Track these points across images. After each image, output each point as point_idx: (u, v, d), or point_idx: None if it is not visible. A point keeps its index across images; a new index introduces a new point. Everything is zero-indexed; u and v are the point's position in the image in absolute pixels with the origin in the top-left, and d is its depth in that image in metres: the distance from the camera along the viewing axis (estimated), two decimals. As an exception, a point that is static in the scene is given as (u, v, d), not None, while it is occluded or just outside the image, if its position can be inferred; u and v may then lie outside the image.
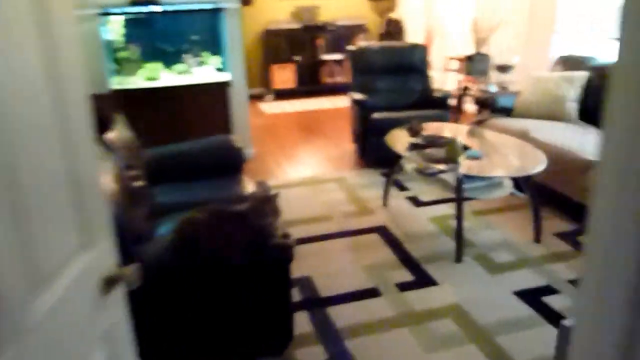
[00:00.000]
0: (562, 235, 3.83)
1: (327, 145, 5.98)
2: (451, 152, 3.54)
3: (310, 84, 8.42)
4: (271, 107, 7.74)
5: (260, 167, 5.32)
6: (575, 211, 4.06)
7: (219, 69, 5.05)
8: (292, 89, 8.18)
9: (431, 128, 4.33)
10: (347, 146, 5.87)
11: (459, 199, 3.47)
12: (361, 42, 5.77)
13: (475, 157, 3.61)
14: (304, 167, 5.34)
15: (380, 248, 3.68)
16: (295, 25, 8.03)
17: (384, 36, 8.62)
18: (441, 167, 3.53)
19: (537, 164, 3.47)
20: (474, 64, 5.61)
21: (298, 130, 6.62)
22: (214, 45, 4.98)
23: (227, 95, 4.88)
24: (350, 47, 5.66)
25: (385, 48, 5.64)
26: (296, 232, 3.88)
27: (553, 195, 4.07)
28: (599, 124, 4.62)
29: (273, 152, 5.78)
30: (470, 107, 6.64)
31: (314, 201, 4.47)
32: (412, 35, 8.26)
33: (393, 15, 8.58)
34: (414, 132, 4.00)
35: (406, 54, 5.64)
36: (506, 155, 3.76)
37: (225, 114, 4.91)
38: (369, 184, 4.81)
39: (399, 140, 4.03)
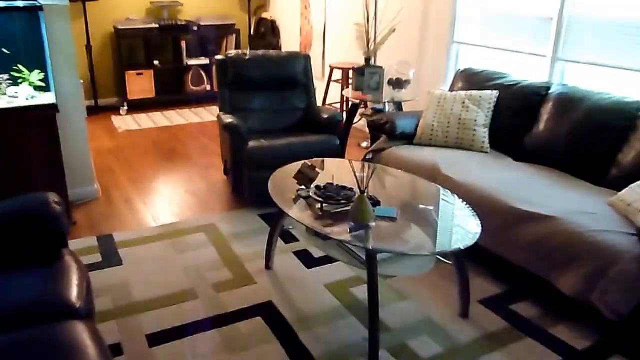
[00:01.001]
0: (491, 304, 3.07)
1: (193, 175, 4.88)
2: (359, 212, 2.63)
3: (173, 93, 7.23)
4: (126, 122, 6.46)
5: (105, 211, 4.12)
6: (500, 269, 3.34)
7: (41, 88, 3.78)
8: (151, 99, 6.94)
9: (321, 165, 3.43)
10: (218, 177, 4.82)
11: (372, 281, 2.56)
12: (231, 51, 4.72)
13: (389, 218, 2.73)
14: (163, 208, 4.21)
15: (267, 344, 2.70)
16: (152, 25, 6.79)
17: (255, 38, 7.62)
18: (344, 235, 2.61)
19: (471, 230, 2.65)
20: (363, 78, 4.77)
21: (157, 153, 5.44)
22: (32, 56, 3.70)
23: (54, 123, 3.63)
24: (218, 57, 4.60)
25: (261, 58, 4.64)
26: (146, 324, 2.80)
27: (472, 248, 3.31)
28: (512, 153, 3.97)
29: (124, 187, 4.59)
30: (359, 127, 5.84)
31: (173, 265, 3.39)
32: (287, 38, 7.34)
33: (265, 14, 7.60)
34: (306, 180, 3.05)
35: (287, 66, 4.69)
36: (426, 213, 2.92)
37: (52, 151, 3.66)
38: (247, 234, 3.81)
39: (285, 190, 3.08)
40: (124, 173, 4.90)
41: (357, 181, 2.75)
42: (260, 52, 4.69)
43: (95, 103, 6.84)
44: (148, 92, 6.87)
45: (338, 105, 5.94)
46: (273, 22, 7.50)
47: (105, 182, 4.64)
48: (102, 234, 3.76)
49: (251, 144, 4.09)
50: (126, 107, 6.77)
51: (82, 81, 6.48)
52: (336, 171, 3.39)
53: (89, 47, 6.60)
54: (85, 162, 4.22)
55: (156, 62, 6.90)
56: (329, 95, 6.02)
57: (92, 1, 6.46)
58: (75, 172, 4.15)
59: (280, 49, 7.51)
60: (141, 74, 6.77)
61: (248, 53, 4.63)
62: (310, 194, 2.96)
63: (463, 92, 4.20)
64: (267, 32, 7.53)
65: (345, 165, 3.54)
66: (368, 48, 4.80)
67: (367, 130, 5.67)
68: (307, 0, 6.74)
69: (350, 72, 5.70)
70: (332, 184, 3.01)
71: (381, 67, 4.83)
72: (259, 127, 4.55)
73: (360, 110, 5.06)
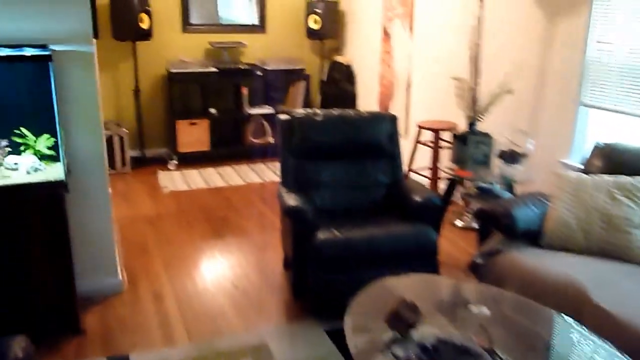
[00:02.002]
0: None
1: (245, 259, 3.90)
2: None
3: (230, 145, 6.36)
4: (173, 179, 5.60)
5: (126, 314, 3.18)
6: None
7: (51, 157, 2.91)
8: (205, 153, 6.08)
9: (417, 287, 2.39)
10: (276, 266, 3.82)
11: None
12: (299, 109, 3.75)
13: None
14: (201, 311, 3.24)
15: None
16: (209, 68, 5.96)
17: (328, 84, 6.70)
18: None
19: None
20: (466, 148, 3.70)
21: (205, 225, 4.51)
22: (41, 116, 2.83)
23: (60, 206, 2.73)
24: (282, 116, 3.66)
25: (336, 118, 3.67)
26: None
27: None
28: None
29: (156, 274, 3.65)
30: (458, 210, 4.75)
31: None
32: (364, 86, 6.37)
33: (340, 58, 6.68)
34: (402, 325, 2.00)
35: (368, 129, 3.68)
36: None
37: (57, 240, 2.76)
38: (309, 367, 2.78)
39: (371, 335, 2.04)
40: (160, 253, 3.97)
41: (489, 341, 1.68)
42: (336, 111, 3.71)
43: (142, 154, 6.04)
44: (202, 144, 6.02)
45: (427, 173, 4.88)
46: (349, 67, 6.56)
47: (134, 266, 3.73)
48: (116, 355, 2.79)
49: (320, 235, 3.08)
50: (175, 161, 5.93)
51: (127, 130, 5.72)
52: (438, 297, 2.32)
53: (137, 92, 5.83)
54: (107, 248, 3.31)
55: (212, 110, 6.06)
56: (416, 159, 4.97)
57: (144, 40, 5.70)
58: (93, 260, 3.26)
59: (355, 97, 6.56)
60: (195, 123, 5.94)
61: (320, 112, 3.65)
62: (411, 354, 1.90)
63: (607, 177, 3.06)
64: (341, 78, 6.60)
65: (451, 286, 2.47)
66: (474, 110, 3.73)
67: (461, 201, 4.58)
68: (389, 44, 5.78)
69: (442, 133, 4.65)
70: (444, 341, 1.94)
71: (489, 136, 3.76)
72: (329, 206, 3.55)
73: (461, 189, 3.98)
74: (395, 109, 5.73)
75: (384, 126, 3.71)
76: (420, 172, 4.85)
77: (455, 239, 4.22)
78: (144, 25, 5.59)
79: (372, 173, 3.69)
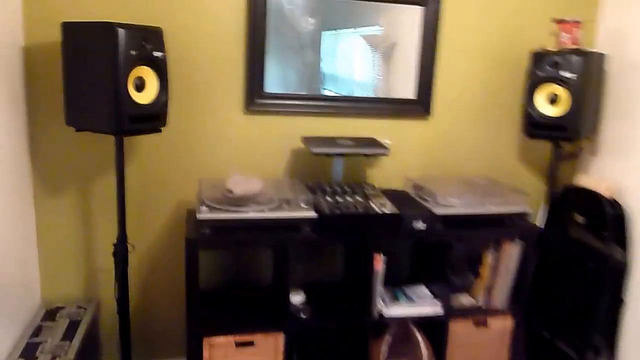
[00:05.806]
0: None
1: None
2: None
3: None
4: None
5: None
6: None
7: None
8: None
9: None
10: None
11: None
12: None
13: None
14: None
15: None
16: (299, 211, 2.36)
17: (554, 238, 2.98)
18: None
19: None
20: None
21: None
22: None
23: None
24: None
25: None
26: None
27: None
28: None
29: None
30: None
31: None
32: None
33: (587, 181, 2.95)
34: None
35: None
36: None
37: None
38: None
39: None
40: None
41: None
42: None
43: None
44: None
45: None
46: (614, 205, 2.81)
47: None
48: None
49: None
50: None
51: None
52: None
53: (122, 251, 2.34)
54: None
55: (297, 303, 2.46)
56: None
57: (144, 133, 2.26)
58: None
59: (623, 273, 2.77)
60: (248, 343, 2.33)
61: None
62: None
63: None
64: (586, 227, 2.85)
65: None
66: None
67: None
68: None
69: None
70: None
71: None
72: None
73: None
74: None
75: None
76: None
77: None
78: (144, 97, 2.16)
79: None
